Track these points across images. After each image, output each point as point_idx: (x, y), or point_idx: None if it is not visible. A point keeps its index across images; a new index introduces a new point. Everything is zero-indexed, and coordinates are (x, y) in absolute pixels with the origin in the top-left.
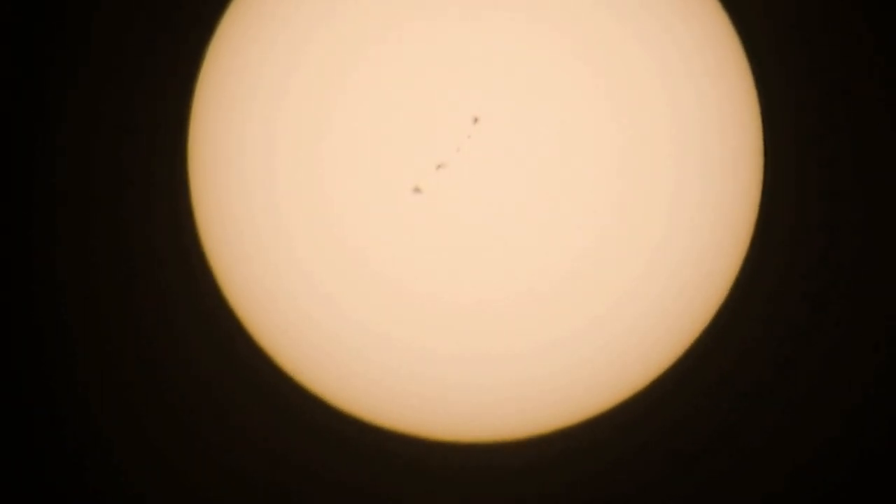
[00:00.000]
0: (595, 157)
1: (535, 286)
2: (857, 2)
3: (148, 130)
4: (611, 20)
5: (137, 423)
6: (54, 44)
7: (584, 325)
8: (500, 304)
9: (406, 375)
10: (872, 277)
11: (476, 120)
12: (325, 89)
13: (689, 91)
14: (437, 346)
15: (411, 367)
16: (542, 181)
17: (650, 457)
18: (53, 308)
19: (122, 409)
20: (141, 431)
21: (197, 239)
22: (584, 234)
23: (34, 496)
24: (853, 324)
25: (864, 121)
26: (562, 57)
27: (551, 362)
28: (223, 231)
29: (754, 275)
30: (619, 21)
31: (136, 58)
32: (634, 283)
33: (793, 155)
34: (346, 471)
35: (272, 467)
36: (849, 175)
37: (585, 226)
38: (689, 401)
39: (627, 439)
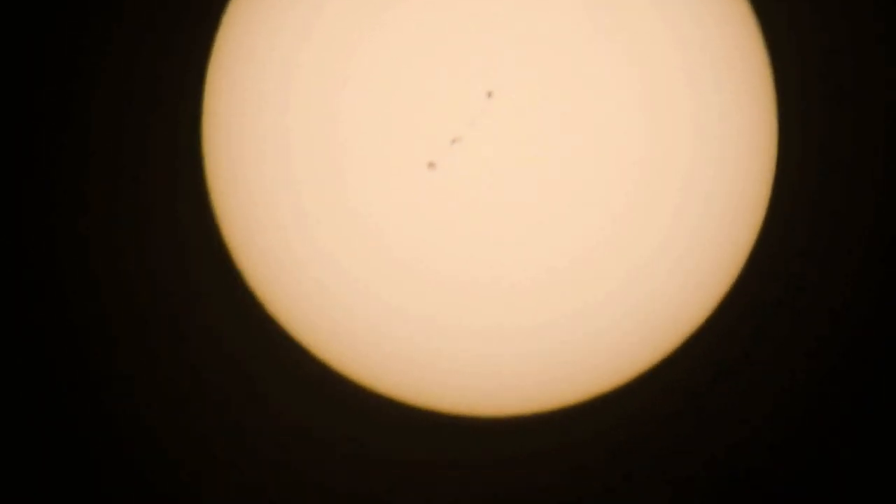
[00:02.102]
0: (611, 131)
1: (549, 261)
2: None
3: (163, 107)
4: None
5: (172, 407)
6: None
7: (598, 300)
8: (514, 278)
9: (417, 348)
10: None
11: (490, 94)
12: (338, 64)
13: (708, 65)
14: (452, 320)
15: (423, 340)
16: (557, 155)
17: (661, 434)
18: (85, 300)
19: (161, 399)
20: (174, 414)
21: (212, 212)
22: (599, 209)
23: (72, 467)
24: (866, 307)
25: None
26: (576, 29)
27: (564, 337)
28: (238, 207)
29: (767, 254)
30: None
31: (150, 35)
32: (650, 258)
33: (806, 131)
34: (369, 445)
35: (301, 445)
36: (864, 160)
37: (601, 201)
38: (699, 380)
39: (638, 417)
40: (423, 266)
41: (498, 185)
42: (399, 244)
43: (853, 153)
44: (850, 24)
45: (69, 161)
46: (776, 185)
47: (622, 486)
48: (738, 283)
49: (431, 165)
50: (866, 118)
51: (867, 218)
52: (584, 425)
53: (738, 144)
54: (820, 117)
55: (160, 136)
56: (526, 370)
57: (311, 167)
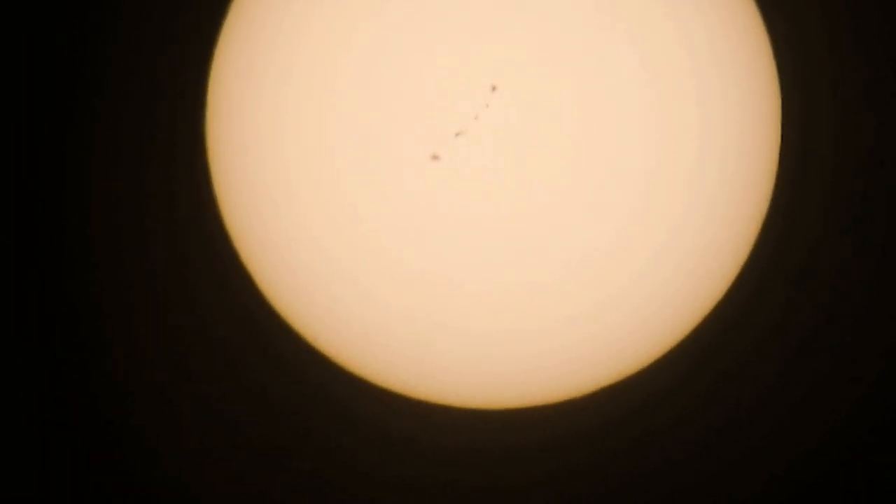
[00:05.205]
0: (615, 125)
1: (552, 254)
2: None
3: (166, 103)
4: None
5: (163, 399)
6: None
7: (608, 294)
8: (515, 269)
9: (418, 340)
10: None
11: (494, 88)
12: (341, 55)
13: (713, 61)
14: (454, 311)
15: (424, 332)
16: (560, 149)
17: (681, 424)
18: (83, 293)
19: (149, 389)
20: (165, 404)
21: (217, 208)
22: (602, 202)
23: (63, 461)
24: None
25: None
26: (580, 24)
27: (567, 330)
28: (242, 202)
29: (768, 254)
30: None
31: (153, 32)
32: (653, 255)
33: (809, 132)
34: (373, 441)
35: (302, 441)
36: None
37: (604, 194)
38: (713, 367)
39: (638, 414)
40: (426, 257)
41: (501, 178)
42: (402, 236)
43: (856, 153)
44: (853, 23)
45: (72, 158)
46: (778, 185)
47: (622, 483)
48: (738, 282)
49: (435, 158)
50: (869, 118)
51: (869, 218)
52: (583, 421)
53: (742, 143)
54: (824, 118)
55: (163, 133)
56: (527, 363)
57: (314, 160)
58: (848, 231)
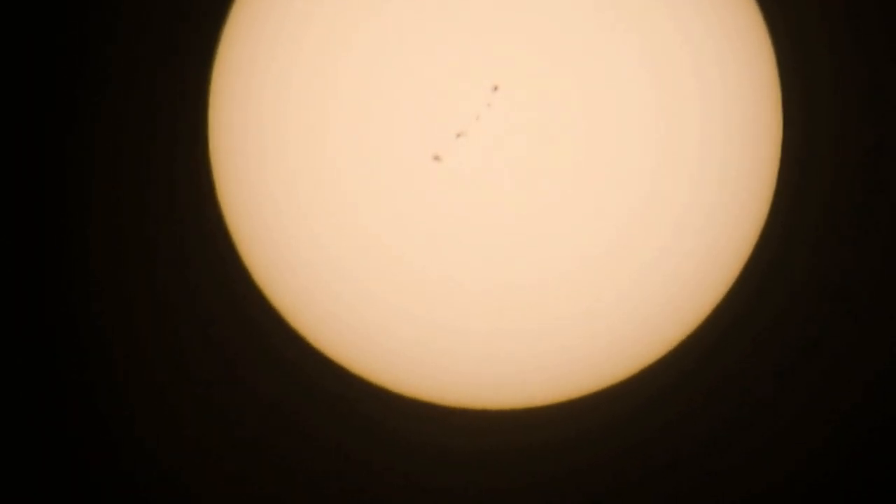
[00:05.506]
0: (616, 126)
1: (552, 255)
2: None
3: (168, 101)
4: None
5: (161, 397)
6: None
7: (608, 294)
8: (516, 270)
9: (419, 341)
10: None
11: (496, 88)
12: (342, 55)
13: (714, 62)
14: (453, 312)
15: (425, 333)
16: (561, 149)
17: (682, 423)
18: (83, 298)
19: (147, 385)
20: (163, 405)
21: (216, 206)
22: (604, 203)
23: (63, 468)
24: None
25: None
26: (582, 24)
27: (566, 331)
28: (241, 202)
29: (768, 255)
30: None
31: (155, 30)
32: (654, 256)
33: (810, 134)
34: (373, 441)
35: (302, 441)
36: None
37: (606, 195)
38: (718, 365)
39: (637, 414)
40: (426, 257)
41: (502, 179)
42: (402, 236)
43: (856, 153)
44: (853, 23)
45: (72, 158)
46: (778, 186)
47: (622, 483)
48: (739, 282)
49: (437, 159)
50: (869, 118)
51: (869, 218)
52: (583, 421)
53: (742, 143)
54: (824, 118)
55: (163, 133)
56: (527, 363)
57: (315, 159)
58: (848, 231)
